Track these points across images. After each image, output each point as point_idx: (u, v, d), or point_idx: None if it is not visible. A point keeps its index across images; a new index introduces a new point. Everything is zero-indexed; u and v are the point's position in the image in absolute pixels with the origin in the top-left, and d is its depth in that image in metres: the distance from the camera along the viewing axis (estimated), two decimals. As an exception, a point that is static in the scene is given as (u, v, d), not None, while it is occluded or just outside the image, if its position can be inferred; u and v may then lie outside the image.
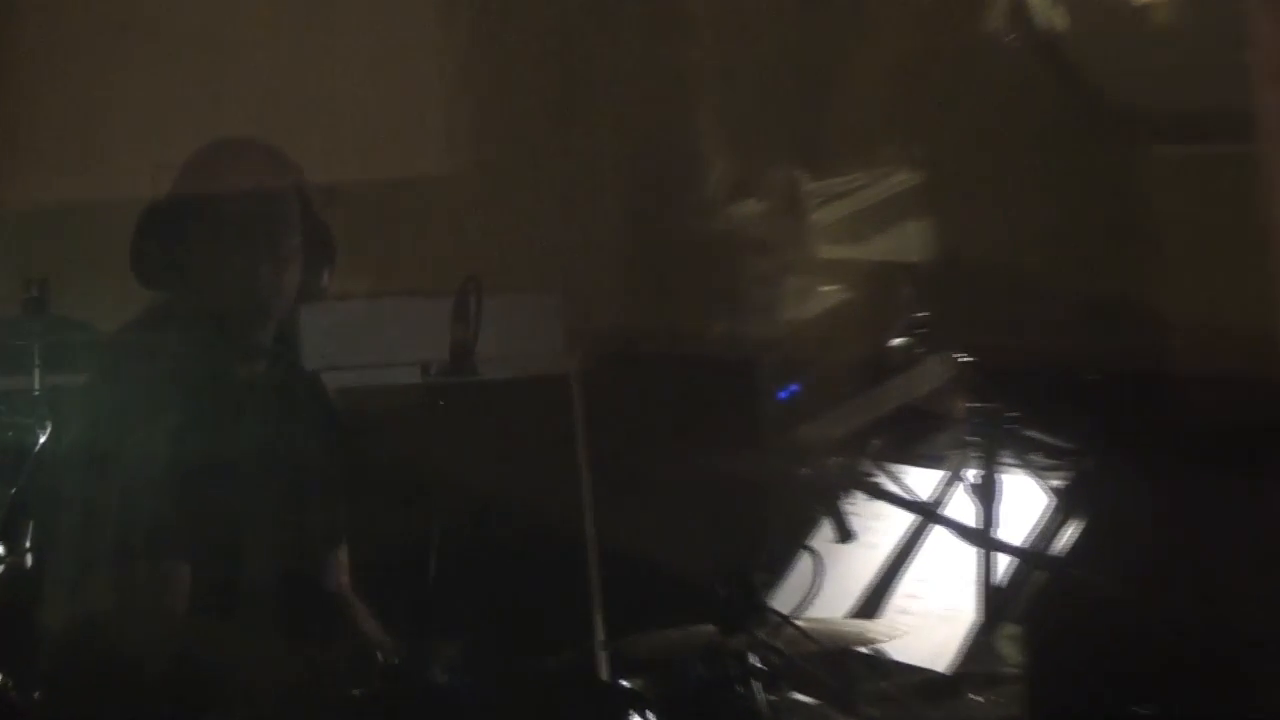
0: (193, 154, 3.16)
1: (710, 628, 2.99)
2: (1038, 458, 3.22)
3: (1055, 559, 3.23)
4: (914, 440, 3.52)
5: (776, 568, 3.45)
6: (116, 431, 3.00)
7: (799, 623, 3.06)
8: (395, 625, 3.17)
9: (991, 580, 3.08)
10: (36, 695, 2.89)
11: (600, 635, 4.04)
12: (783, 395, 3.66)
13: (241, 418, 3.15)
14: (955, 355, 3.29)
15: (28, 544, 2.98)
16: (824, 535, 3.37)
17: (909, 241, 4.02)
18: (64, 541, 2.97)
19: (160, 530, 2.95)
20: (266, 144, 3.20)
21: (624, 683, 3.27)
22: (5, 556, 2.95)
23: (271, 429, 3.18)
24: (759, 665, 2.93)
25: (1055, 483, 3.25)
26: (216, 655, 3.01)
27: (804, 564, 3.34)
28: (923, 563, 3.44)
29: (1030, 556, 3.21)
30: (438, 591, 2.92)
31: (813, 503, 3.34)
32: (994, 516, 3.07)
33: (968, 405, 3.19)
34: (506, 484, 3.86)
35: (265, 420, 3.18)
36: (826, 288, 4.12)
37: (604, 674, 3.87)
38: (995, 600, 3.10)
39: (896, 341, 3.43)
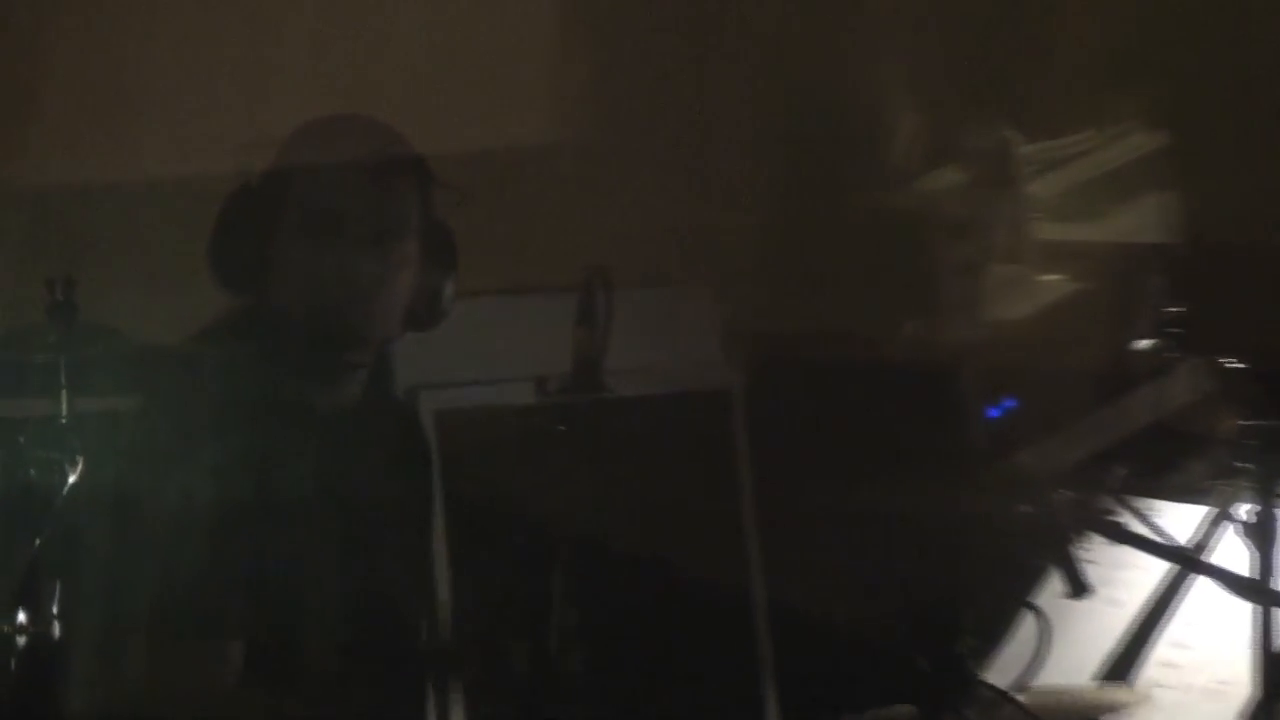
0: (293, 132, 3.13)
1: (908, 708, 2.93)
2: None
3: None
4: (1167, 468, 3.43)
5: (990, 631, 3.29)
6: (162, 473, 2.95)
7: (1020, 699, 2.96)
8: (513, 707, 3.12)
9: (1272, 644, 2.94)
10: None
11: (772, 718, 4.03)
12: (994, 413, 3.60)
13: (319, 460, 3.09)
14: (1219, 359, 3.16)
15: (54, 610, 2.90)
16: (1052, 589, 3.23)
17: (1155, 217, 3.94)
18: (97, 609, 2.90)
19: (212, 599, 2.91)
20: (384, 124, 3.16)
21: None
22: (29, 626, 2.89)
23: (355, 473, 3.13)
24: None
25: None
26: None
27: (1026, 627, 3.18)
28: (1181, 623, 3.31)
29: None
30: (564, 664, 2.90)
31: (1037, 548, 3.21)
32: (1273, 563, 2.94)
33: (1237, 422, 3.04)
34: (648, 529, 3.85)
35: (348, 463, 3.13)
36: (1049, 278, 4.05)
37: None
38: (1277, 669, 2.95)
39: (1142, 344, 3.36)
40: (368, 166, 3.09)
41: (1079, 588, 3.09)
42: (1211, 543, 3.25)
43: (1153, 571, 3.32)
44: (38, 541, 2.85)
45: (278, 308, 3.08)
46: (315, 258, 3.06)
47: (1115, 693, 3.20)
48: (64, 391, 2.94)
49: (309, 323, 3.05)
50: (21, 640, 2.82)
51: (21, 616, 2.83)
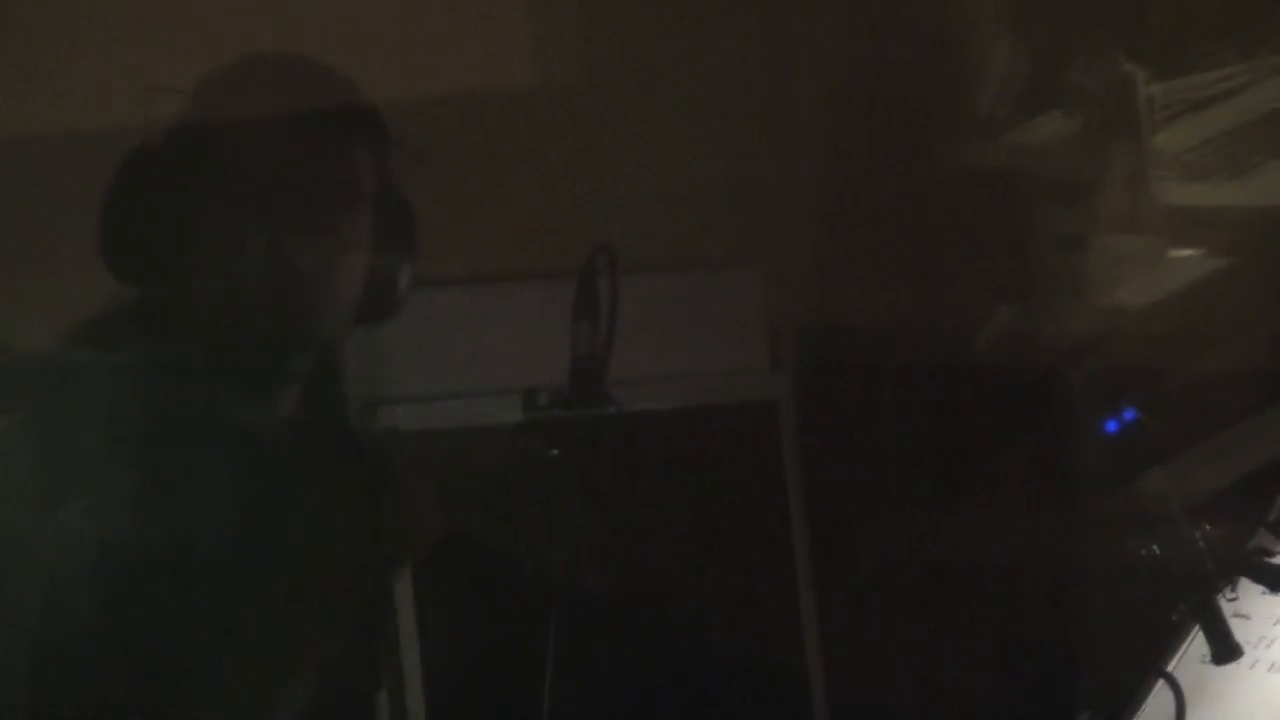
0: (206, 75, 3.09)
1: None
2: None
3: None
4: None
5: (1111, 707, 3.22)
6: (45, 508, 2.92)
7: None
8: None
9: None
10: None
11: None
12: (1111, 426, 3.32)
13: (244, 496, 3.04)
14: None
15: None
16: (1192, 653, 3.16)
17: None
18: None
19: (103, 683, 2.88)
20: (327, 65, 3.13)
21: None
22: None
23: (290, 513, 3.10)
24: None
25: None
26: None
27: (1159, 699, 3.11)
28: None
29: None
30: None
31: (1171, 599, 3.11)
32: None
33: None
34: (667, 580, 3.84)
35: (281, 500, 3.09)
36: (1183, 252, 3.99)
37: None
38: None
39: None
40: (307, 121, 3.05)
41: (1226, 650, 3.01)
42: (1400, 592, 3.30)
43: None
44: None
45: (189, 301, 3.03)
46: (238, 237, 3.01)
47: None
48: None
49: (231, 320, 3.01)
50: None
51: None
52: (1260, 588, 3.10)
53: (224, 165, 3.03)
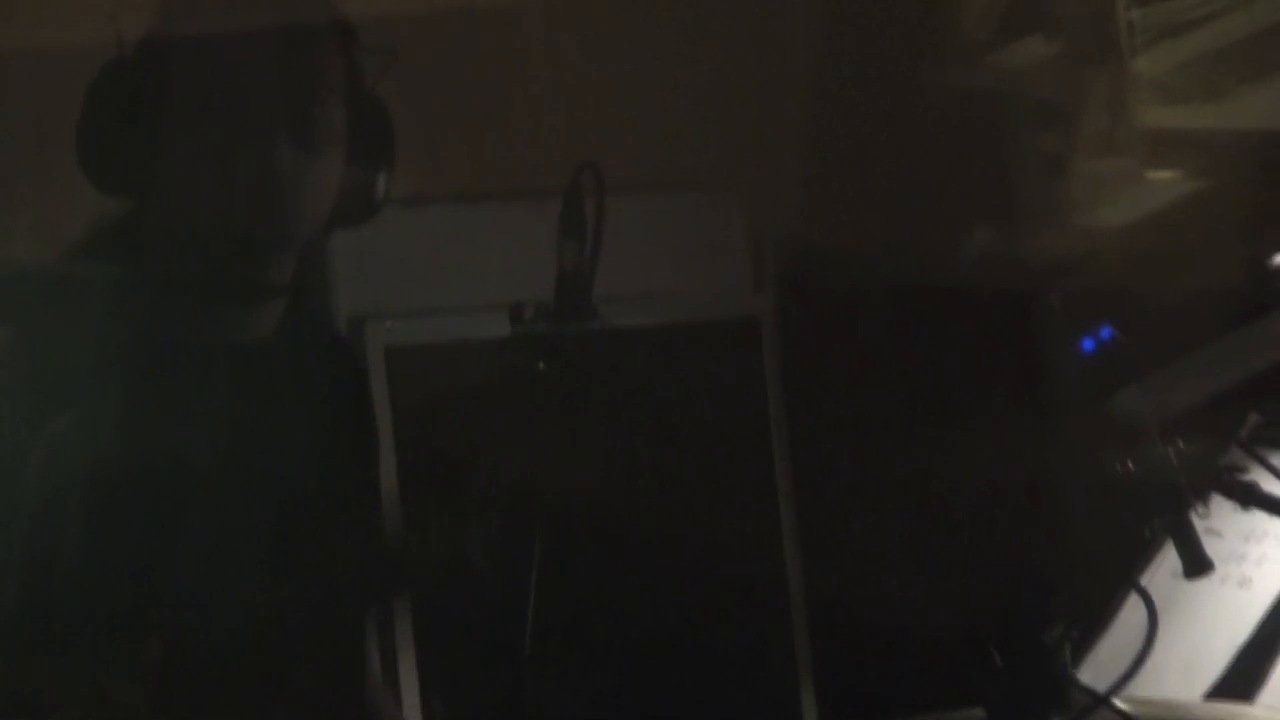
0: None
1: (979, 713, 2.93)
2: None
3: None
4: None
5: (1084, 619, 3.25)
6: (30, 424, 2.90)
7: (1123, 705, 2.94)
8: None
9: None
10: None
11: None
12: (1088, 345, 3.33)
13: (228, 409, 3.02)
14: None
15: None
16: (1163, 567, 3.24)
17: None
18: None
19: (97, 573, 2.86)
20: None
21: None
22: None
23: (275, 427, 3.07)
24: None
25: None
26: None
27: (1129, 613, 3.21)
28: None
29: None
30: (543, 662, 2.84)
31: (1143, 516, 3.15)
32: None
33: None
34: (650, 493, 3.80)
35: (265, 413, 3.06)
36: (1160, 174, 3.99)
37: None
38: None
39: (1279, 256, 3.28)
40: (278, 26, 3.00)
41: (1197, 564, 3.06)
42: (1367, 508, 3.31)
43: None
44: None
45: (167, 213, 3.01)
46: (213, 145, 2.96)
47: (1239, 713, 3.21)
48: None
49: (209, 229, 2.97)
50: None
51: None
52: (1232, 504, 3.13)
53: (192, 70, 3.00)
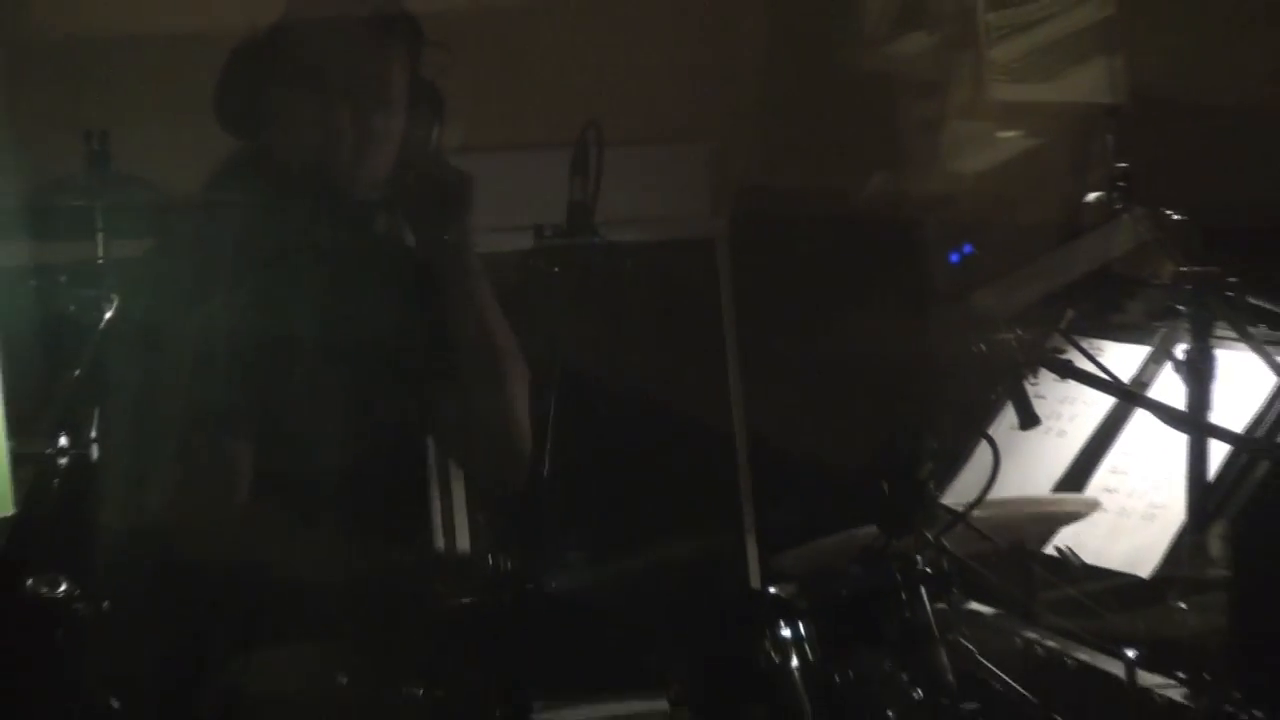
0: None
1: (871, 528, 2.92)
2: (1262, 329, 3.06)
3: None
4: (1112, 310, 3.43)
5: (948, 459, 3.34)
6: (184, 305, 2.94)
7: (974, 520, 2.96)
8: (507, 526, 3.17)
9: (1203, 472, 2.93)
10: (105, 605, 2.84)
11: (749, 535, 4.04)
12: (954, 258, 3.54)
13: (326, 289, 3.06)
14: (1162, 210, 3.14)
15: (93, 434, 2.91)
16: (1004, 421, 3.27)
17: (1106, 80, 3.89)
18: (129, 431, 2.90)
19: (226, 412, 2.90)
20: None
21: (773, 589, 3.14)
22: (69, 448, 2.90)
23: (359, 303, 3.09)
24: (926, 570, 2.84)
25: None
26: (288, 552, 2.95)
27: (981, 454, 3.26)
28: (1121, 452, 3.32)
29: (1250, 444, 3.07)
30: (556, 487, 2.81)
31: (991, 383, 3.27)
32: (1207, 398, 2.91)
33: (1177, 269, 3.01)
34: (636, 363, 3.84)
35: (352, 293, 3.09)
36: (1008, 134, 4.00)
37: (753, 579, 3.97)
38: (1207, 495, 2.95)
39: (1091, 196, 3.31)
40: (359, 22, 3.04)
41: (1029, 419, 3.09)
42: (1150, 379, 3.28)
43: (1096, 405, 3.36)
44: (76, 372, 2.83)
45: (275, 150, 3.05)
46: (306, 109, 3.02)
47: (1070, 500, 3.21)
48: (99, 235, 2.92)
49: (303, 170, 3.02)
50: (63, 461, 2.82)
51: (63, 440, 2.82)
52: (1053, 376, 3.15)
53: (294, 49, 3.03)
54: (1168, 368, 3.10)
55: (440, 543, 3.42)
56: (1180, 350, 2.96)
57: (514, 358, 3.07)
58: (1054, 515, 3.17)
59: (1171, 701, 2.83)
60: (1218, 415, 2.92)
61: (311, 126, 3.01)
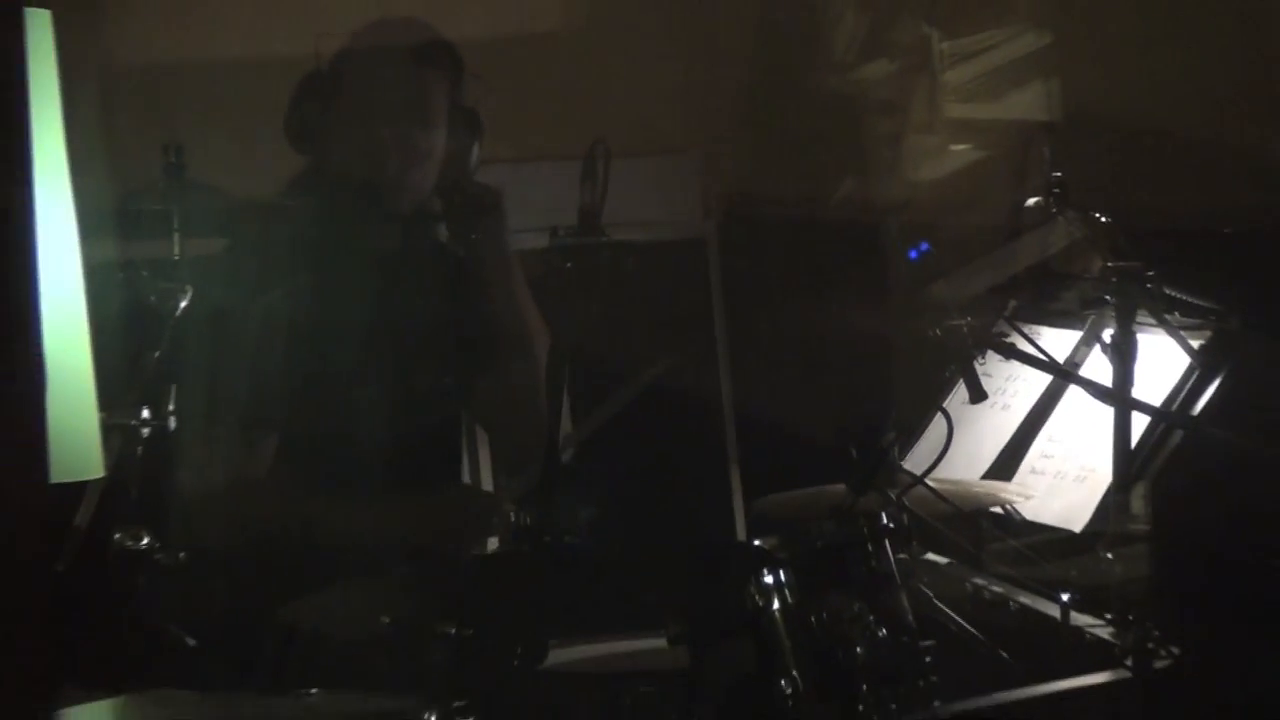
0: (360, 26, 3.16)
1: (842, 487, 2.89)
2: (1177, 316, 3.09)
3: (1192, 418, 3.12)
4: (1049, 300, 3.43)
5: (908, 428, 3.36)
6: (249, 297, 2.99)
7: (931, 483, 2.99)
8: (527, 486, 3.08)
9: (1126, 440, 2.94)
10: (181, 555, 2.79)
11: (737, 496, 4.01)
12: (913, 255, 3.44)
13: (375, 283, 3.11)
14: (1092, 213, 3.14)
15: (170, 407, 2.82)
16: (957, 396, 3.28)
17: (1043, 100, 3.87)
18: (201, 405, 2.94)
19: (285, 388, 2.95)
20: (426, 23, 3.17)
21: (757, 542, 3.07)
22: (150, 420, 2.80)
23: (404, 294, 3.14)
24: (889, 525, 2.79)
25: (1195, 341, 3.13)
26: (341, 512, 2.99)
27: (936, 425, 3.25)
28: (1057, 423, 3.34)
29: (1167, 416, 3.11)
30: (570, 449, 2.95)
31: (945, 363, 3.26)
32: (1130, 376, 2.92)
33: (1105, 263, 3.03)
34: (638, 345, 3.78)
35: (398, 286, 3.14)
36: (959, 147, 3.98)
37: (740, 533, 3.94)
38: (1130, 460, 2.96)
39: (1031, 201, 3.27)
40: (405, 52, 3.10)
41: (978, 395, 3.11)
42: (1082, 359, 3.31)
43: (1035, 382, 3.38)
44: (156, 353, 2.79)
45: (336, 165, 3.10)
46: (358, 130, 3.08)
47: (999, 488, 3.23)
48: (176, 235, 2.90)
49: (356, 183, 3.07)
50: (145, 431, 2.75)
51: (145, 413, 2.75)
52: (999, 357, 3.22)
53: (353, 77, 3.09)
54: (1096, 350, 3.17)
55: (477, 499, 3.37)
56: (1107, 334, 2.98)
57: (543, 340, 3.09)
58: (995, 498, 3.18)
59: (1100, 639, 2.83)
60: (1139, 391, 2.93)
61: (363, 145, 3.06)
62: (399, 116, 3.08)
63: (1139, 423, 2.98)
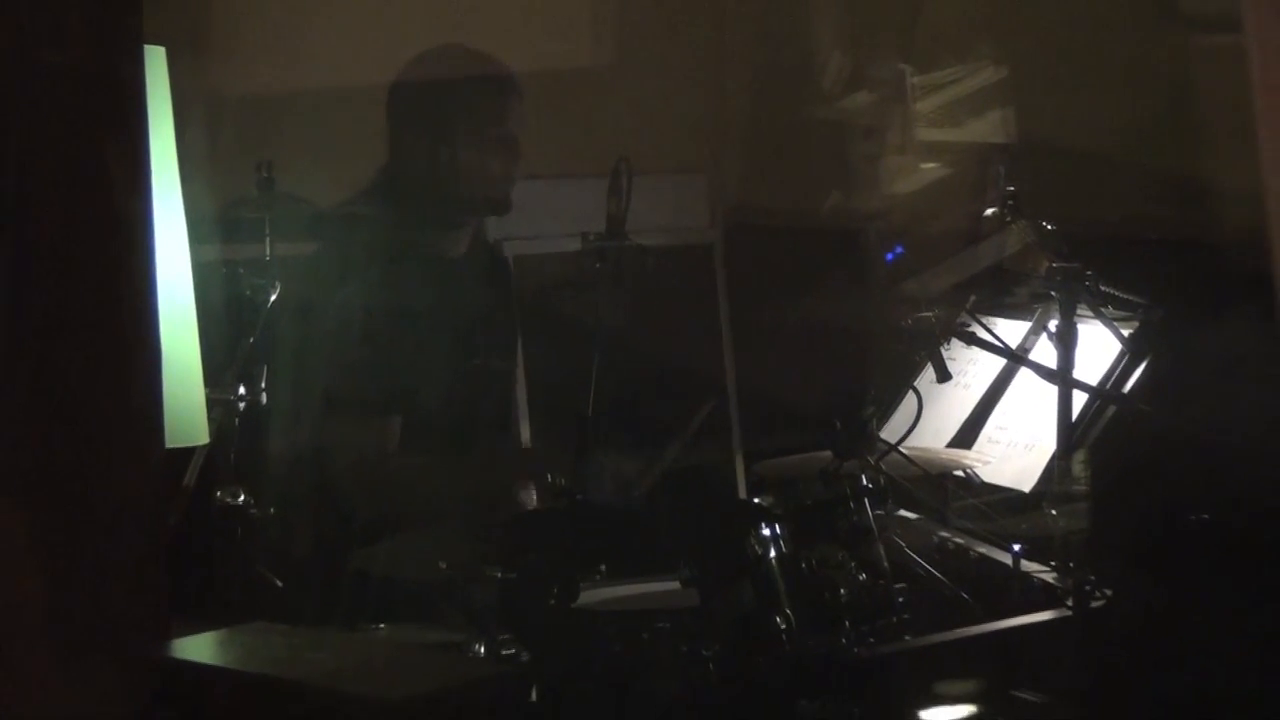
0: (420, 53, 3.12)
1: (828, 454, 2.89)
2: (1110, 309, 3.08)
3: (1123, 395, 3.12)
4: (1003, 295, 3.42)
5: (885, 404, 3.35)
6: (331, 289, 2.98)
7: (903, 450, 3.00)
8: (564, 451, 3.04)
9: (1068, 414, 2.93)
10: (272, 510, 2.85)
11: (738, 461, 3.99)
12: (889, 257, 3.53)
13: (438, 279, 3.08)
14: (1040, 222, 3.12)
15: (263, 385, 2.86)
16: (926, 377, 3.25)
17: (1000, 126, 3.84)
18: (290, 384, 2.93)
19: (358, 372, 2.95)
20: (487, 53, 3.15)
21: (756, 500, 3.23)
22: (246, 396, 2.83)
23: (463, 288, 3.12)
24: (868, 485, 2.85)
25: (1125, 330, 3.12)
26: (408, 469, 2.99)
27: (908, 401, 3.21)
28: (1010, 400, 3.34)
29: (1102, 394, 3.10)
30: (599, 421, 2.87)
31: (916, 349, 3.22)
32: (1071, 360, 2.92)
33: (1050, 264, 3.02)
34: (655, 333, 3.76)
35: (457, 281, 3.11)
36: (928, 166, 3.94)
37: (741, 493, 3.91)
38: (1071, 431, 2.95)
39: (989, 211, 3.26)
40: (509, 85, 3.10)
41: (944, 376, 3.12)
42: (1031, 346, 3.30)
43: (991, 365, 3.37)
44: (250, 339, 2.82)
45: (406, 178, 3.09)
46: (422, 147, 3.07)
47: (961, 454, 3.23)
48: (267, 239, 2.94)
49: (433, 194, 3.07)
50: (242, 405, 2.79)
51: (242, 389, 2.79)
52: (961, 343, 3.18)
53: (426, 98, 3.08)
54: (1043, 337, 3.14)
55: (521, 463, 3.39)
56: (1052, 324, 2.98)
57: None
58: (957, 463, 3.18)
59: (1045, 583, 2.84)
60: (1079, 372, 2.93)
61: (434, 160, 3.05)
62: (510, 142, 3.07)
63: (1079, 399, 2.97)
